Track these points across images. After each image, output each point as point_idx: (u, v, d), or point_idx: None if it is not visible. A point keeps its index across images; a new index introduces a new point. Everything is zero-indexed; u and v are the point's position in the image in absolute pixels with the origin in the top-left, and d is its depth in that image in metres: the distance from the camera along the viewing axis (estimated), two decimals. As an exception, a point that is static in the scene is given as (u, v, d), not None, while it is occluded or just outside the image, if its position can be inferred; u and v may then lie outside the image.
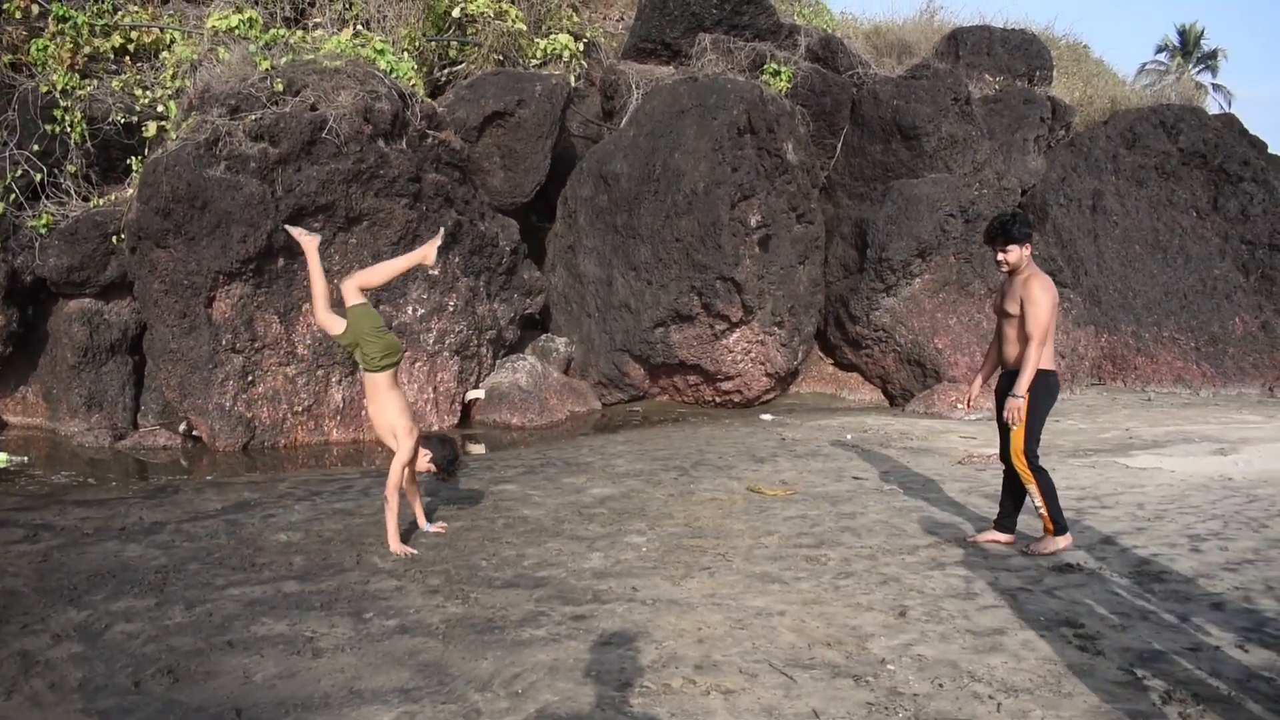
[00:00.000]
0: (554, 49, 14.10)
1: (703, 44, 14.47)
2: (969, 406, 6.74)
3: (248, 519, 7.02)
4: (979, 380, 6.61)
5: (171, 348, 9.98)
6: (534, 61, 14.06)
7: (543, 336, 13.26)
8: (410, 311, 11.11)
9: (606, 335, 13.03)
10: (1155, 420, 11.80)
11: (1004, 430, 6.07)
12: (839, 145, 14.83)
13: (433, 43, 13.62)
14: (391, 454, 6.24)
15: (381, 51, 11.55)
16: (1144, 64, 47.47)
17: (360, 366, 6.30)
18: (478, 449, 10.41)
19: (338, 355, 10.50)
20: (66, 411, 10.60)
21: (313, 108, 10.28)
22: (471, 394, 11.85)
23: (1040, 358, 5.84)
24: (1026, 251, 5.98)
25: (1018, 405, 5.88)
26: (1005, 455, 6.16)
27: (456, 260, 11.49)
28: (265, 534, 6.64)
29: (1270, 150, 15.92)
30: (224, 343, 9.95)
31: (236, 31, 11.53)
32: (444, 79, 13.80)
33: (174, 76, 11.28)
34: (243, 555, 6.12)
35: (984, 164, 14.59)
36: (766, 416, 12.31)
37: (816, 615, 5.04)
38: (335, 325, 6.17)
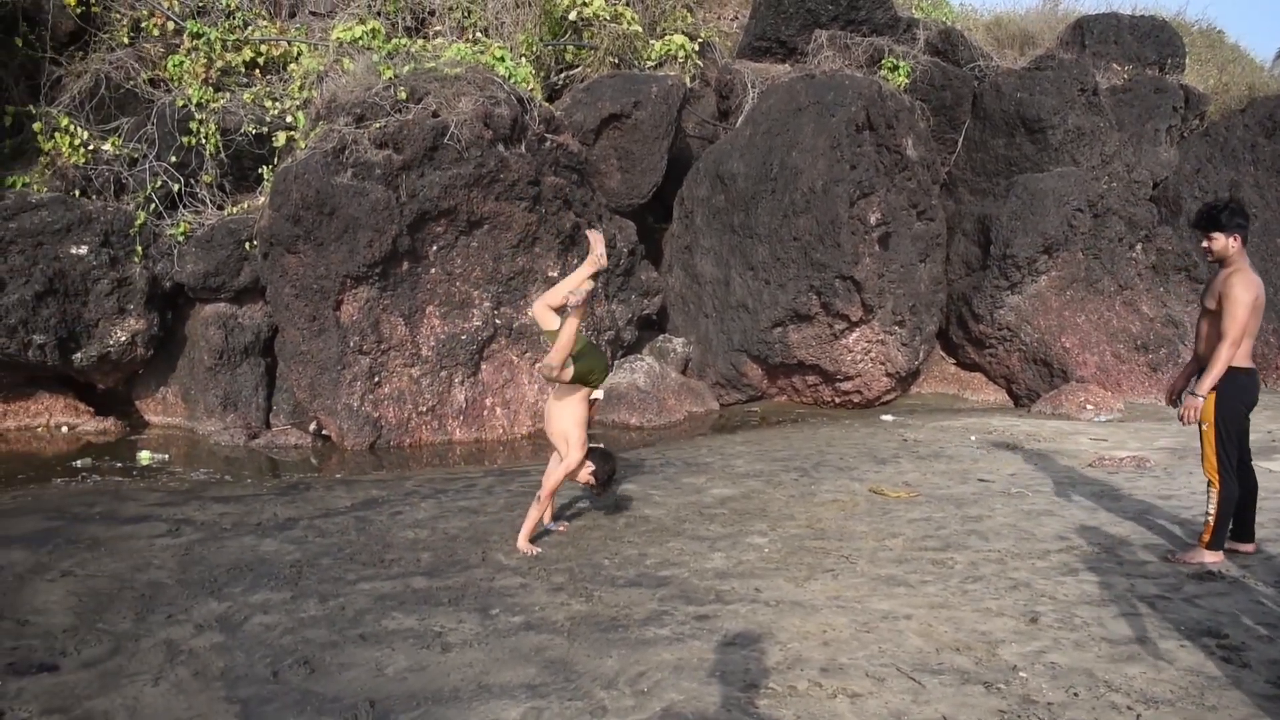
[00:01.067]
0: (669, 50, 14.13)
1: (819, 41, 14.33)
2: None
3: (376, 516, 7.21)
4: (1180, 381, 6.22)
5: (302, 350, 10.32)
6: (649, 63, 14.11)
7: (660, 337, 13.29)
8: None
9: (724, 335, 12.99)
10: (1301, 422, 11.22)
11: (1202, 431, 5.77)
12: (960, 140, 14.53)
13: (549, 47, 13.77)
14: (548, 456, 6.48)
15: (500, 58, 11.75)
16: (1283, 48, 45.26)
17: None
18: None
19: (460, 356, 10.70)
20: (204, 411, 11.03)
21: (434, 114, 10.49)
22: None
23: (1230, 357, 5.52)
24: (1235, 243, 5.63)
25: (1195, 404, 5.60)
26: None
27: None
28: (393, 531, 6.81)
29: None
30: (351, 345, 10.23)
31: (360, 42, 11.86)
32: (561, 82, 13.95)
33: (301, 88, 11.68)
34: (372, 551, 6.29)
35: (1113, 156, 14.09)
36: (887, 417, 12.10)
37: (944, 620, 4.93)
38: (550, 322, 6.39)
